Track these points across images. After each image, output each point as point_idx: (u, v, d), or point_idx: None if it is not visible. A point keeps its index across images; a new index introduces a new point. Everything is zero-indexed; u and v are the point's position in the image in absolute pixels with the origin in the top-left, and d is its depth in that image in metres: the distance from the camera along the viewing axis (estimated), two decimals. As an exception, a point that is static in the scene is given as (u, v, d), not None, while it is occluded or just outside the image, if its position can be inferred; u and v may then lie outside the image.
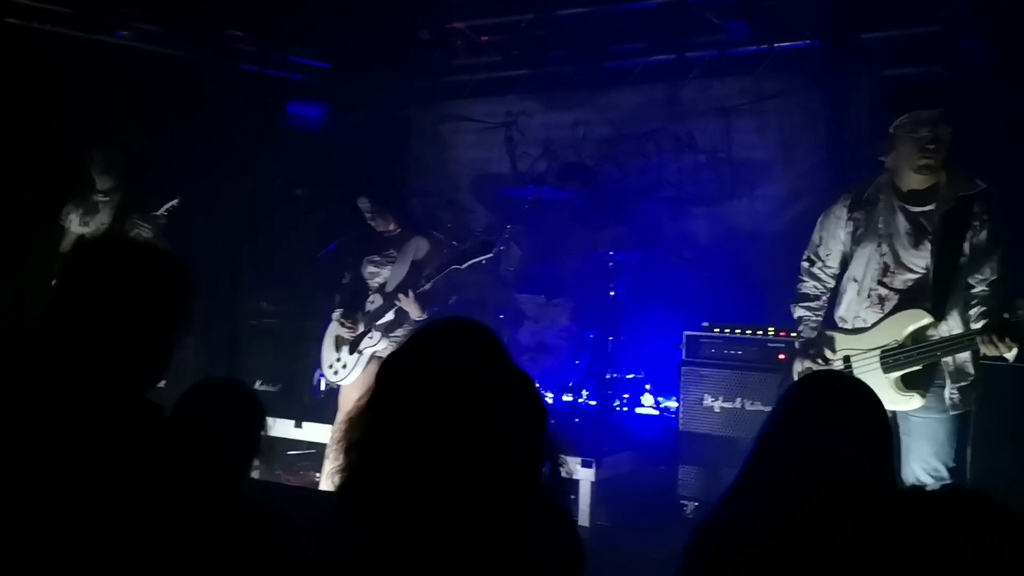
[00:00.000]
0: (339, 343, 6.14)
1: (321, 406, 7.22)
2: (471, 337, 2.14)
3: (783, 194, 8.02)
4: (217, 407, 3.04)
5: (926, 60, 7.06)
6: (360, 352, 5.99)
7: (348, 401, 6.03)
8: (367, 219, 6.13)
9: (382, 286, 6.03)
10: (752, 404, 6.04)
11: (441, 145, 9.84)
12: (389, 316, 5.93)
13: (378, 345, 5.95)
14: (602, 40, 8.38)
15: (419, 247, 6.04)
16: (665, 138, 8.59)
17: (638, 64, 8.63)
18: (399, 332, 5.90)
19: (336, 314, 6.14)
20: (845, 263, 4.52)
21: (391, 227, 6.12)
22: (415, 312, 5.81)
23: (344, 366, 6.07)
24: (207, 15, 7.91)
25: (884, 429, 2.55)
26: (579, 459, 6.03)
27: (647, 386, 7.60)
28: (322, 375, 6.41)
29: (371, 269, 6.10)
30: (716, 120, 8.34)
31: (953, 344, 4.17)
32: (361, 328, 6.01)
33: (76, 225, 6.46)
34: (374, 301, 6.01)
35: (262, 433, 3.20)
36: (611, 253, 7.56)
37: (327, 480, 5.93)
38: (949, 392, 4.20)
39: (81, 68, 7.02)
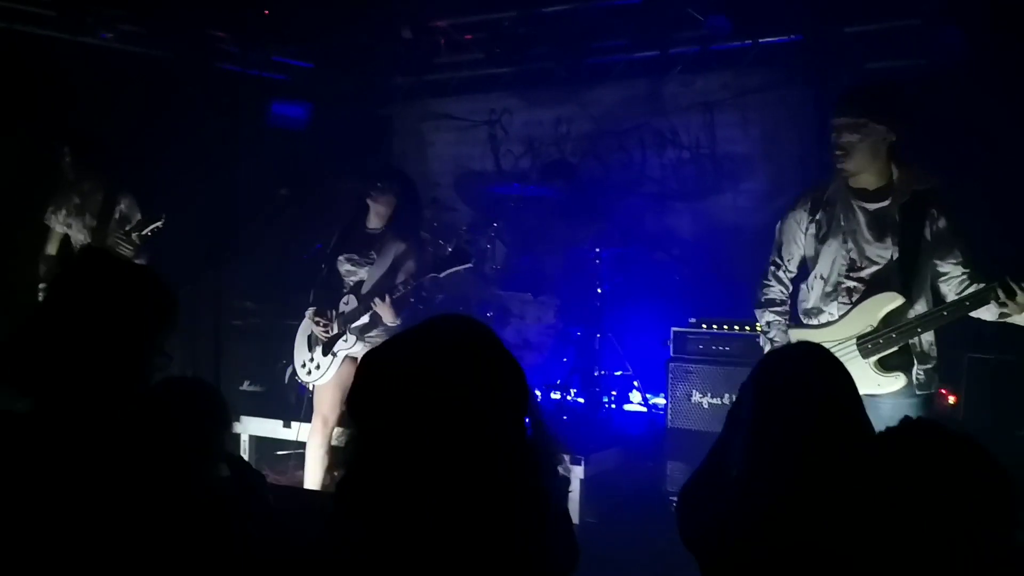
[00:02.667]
0: (312, 342, 6.03)
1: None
2: (467, 334, 2.13)
3: (766, 188, 8.05)
4: (179, 407, 2.97)
5: (907, 54, 7.11)
6: (334, 354, 5.88)
7: (322, 402, 6.00)
8: (370, 199, 5.91)
9: (358, 286, 5.90)
10: (739, 400, 6.03)
11: (424, 143, 9.86)
12: (364, 319, 5.82)
13: (353, 348, 5.85)
14: (584, 36, 8.40)
15: (399, 250, 5.89)
16: (648, 134, 8.63)
17: (620, 60, 8.65)
18: (374, 334, 5.82)
19: (309, 312, 6.01)
20: (804, 266, 4.62)
21: (377, 224, 5.95)
22: (389, 317, 5.70)
23: (317, 367, 5.95)
24: (189, 16, 7.89)
25: (841, 376, 2.70)
26: (567, 456, 6.04)
27: (635, 383, 7.60)
28: (295, 374, 6.28)
29: (348, 267, 5.96)
30: (699, 115, 8.38)
31: (933, 317, 4.24)
32: (336, 329, 5.90)
33: (59, 225, 6.43)
34: (348, 302, 5.89)
35: (226, 434, 3.16)
36: (596, 250, 7.57)
37: (313, 480, 5.92)
38: (916, 372, 4.29)
39: (64, 69, 6.99)
